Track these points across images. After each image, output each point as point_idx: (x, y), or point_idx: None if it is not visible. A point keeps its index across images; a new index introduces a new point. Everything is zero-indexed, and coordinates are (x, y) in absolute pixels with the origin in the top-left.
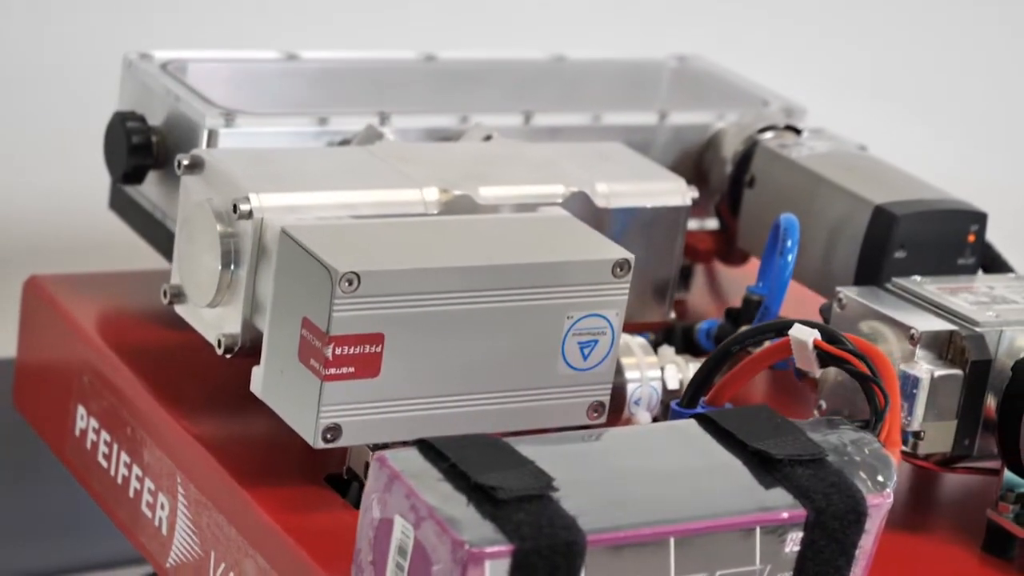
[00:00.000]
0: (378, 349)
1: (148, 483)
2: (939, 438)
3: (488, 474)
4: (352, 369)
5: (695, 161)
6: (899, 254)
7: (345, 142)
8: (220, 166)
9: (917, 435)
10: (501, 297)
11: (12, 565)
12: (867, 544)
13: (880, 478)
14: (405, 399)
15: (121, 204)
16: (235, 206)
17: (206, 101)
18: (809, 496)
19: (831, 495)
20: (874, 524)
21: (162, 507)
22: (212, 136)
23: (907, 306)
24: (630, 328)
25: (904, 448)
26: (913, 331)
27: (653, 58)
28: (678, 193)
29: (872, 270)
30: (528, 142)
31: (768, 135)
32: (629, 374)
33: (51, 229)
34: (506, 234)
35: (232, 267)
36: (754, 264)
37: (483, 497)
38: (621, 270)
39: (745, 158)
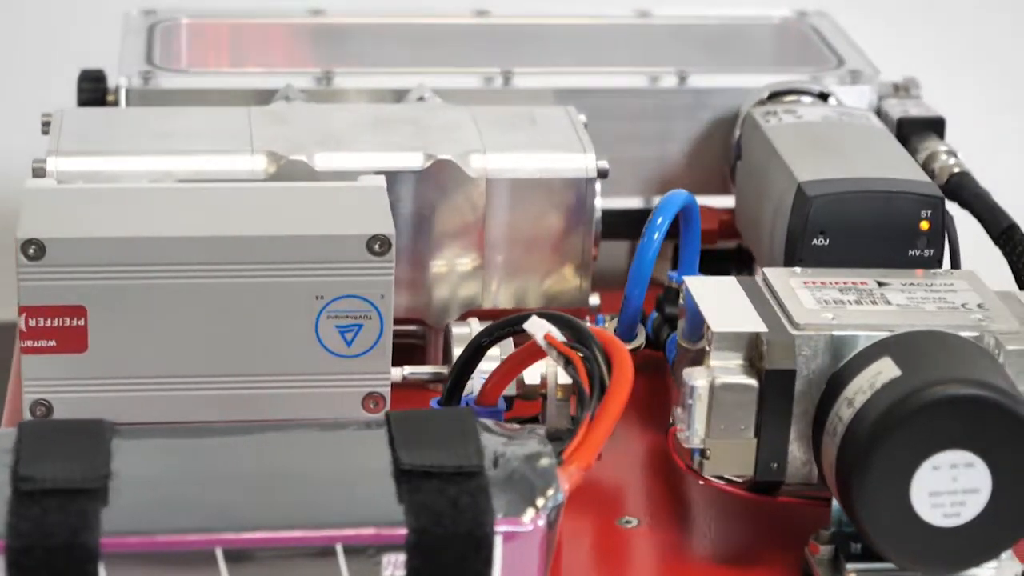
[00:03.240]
0: (81, 323)
1: None
2: (732, 458)
3: (37, 463)
4: (54, 343)
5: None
6: (819, 240)
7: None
8: (64, 126)
9: (703, 453)
10: (228, 272)
11: None
12: (521, 572)
13: (538, 500)
14: (124, 378)
15: None
16: (34, 168)
17: (146, 59)
18: (418, 514)
19: (445, 515)
20: (518, 552)
21: None
22: (129, 94)
23: (744, 301)
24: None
25: (694, 468)
26: (707, 331)
27: (761, 15)
28: (580, 165)
29: (791, 258)
30: (465, 105)
31: (768, 104)
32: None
33: None
34: (267, 204)
35: None
36: None
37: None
38: (380, 247)
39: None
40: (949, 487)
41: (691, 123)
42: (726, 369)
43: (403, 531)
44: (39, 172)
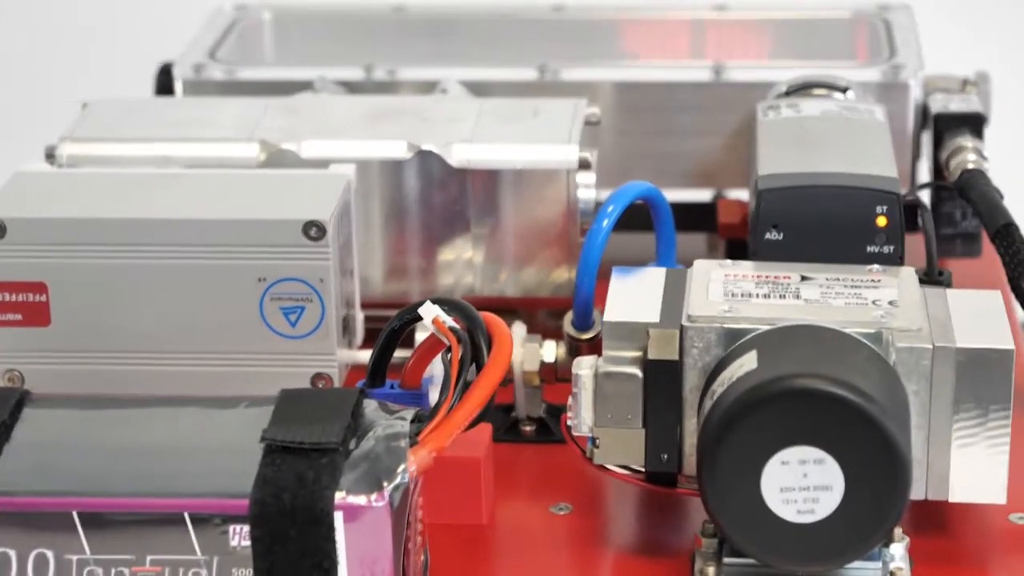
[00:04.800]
0: (43, 298)
1: None
2: (622, 448)
3: None
4: (20, 316)
5: None
6: (772, 235)
7: None
8: (90, 114)
9: (594, 442)
10: (177, 253)
11: None
12: (365, 552)
13: (384, 480)
14: (85, 352)
15: None
16: (47, 153)
17: (209, 52)
18: (263, 487)
19: (287, 489)
20: (362, 530)
21: None
22: (185, 85)
23: (656, 293)
24: (532, 305)
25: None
26: (605, 322)
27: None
28: (560, 157)
29: (751, 252)
30: (478, 97)
31: (779, 99)
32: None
33: None
34: (221, 189)
35: None
36: None
37: None
38: (316, 233)
39: None
40: (800, 483)
41: (729, 116)
42: (614, 359)
43: (243, 504)
44: (50, 156)
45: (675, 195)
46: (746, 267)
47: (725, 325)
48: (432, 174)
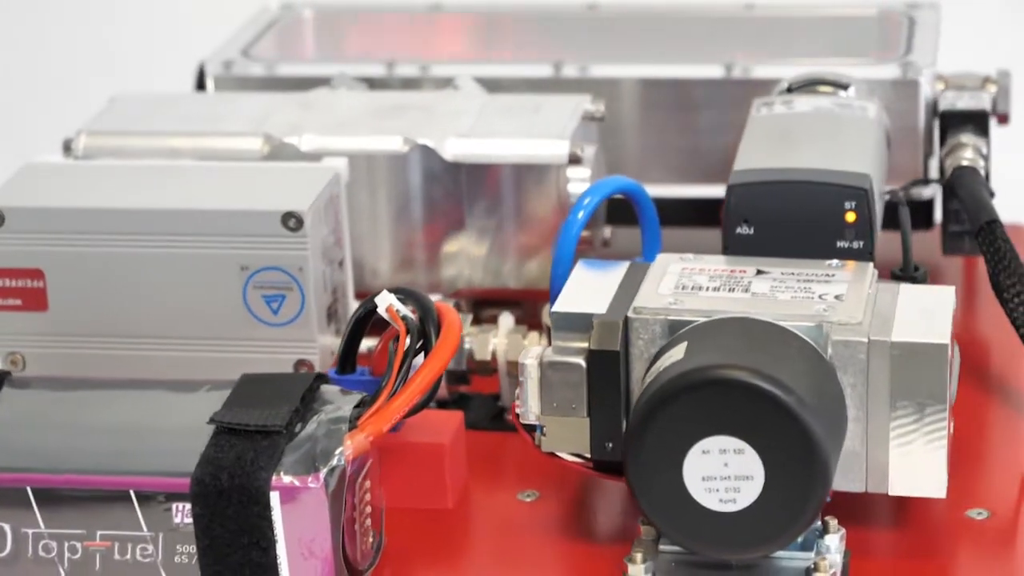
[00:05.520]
0: (40, 284)
1: None
2: (568, 436)
3: None
4: (19, 301)
5: None
6: (743, 229)
7: None
8: (113, 108)
9: (541, 430)
10: (165, 242)
11: None
12: (303, 531)
13: (319, 462)
14: (81, 336)
15: None
16: (64, 145)
17: (242, 49)
18: (204, 466)
19: (226, 469)
20: (299, 510)
21: None
22: (216, 81)
23: (612, 285)
24: (533, 298)
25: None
26: (553, 312)
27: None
28: (551, 152)
29: (723, 247)
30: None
31: (775, 96)
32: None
33: None
34: (210, 181)
35: None
36: None
37: None
38: (294, 224)
39: None
40: (722, 472)
41: (741, 113)
42: (560, 348)
43: (184, 483)
44: (68, 148)
45: (697, 191)
46: (708, 261)
47: (669, 317)
48: (426, 168)
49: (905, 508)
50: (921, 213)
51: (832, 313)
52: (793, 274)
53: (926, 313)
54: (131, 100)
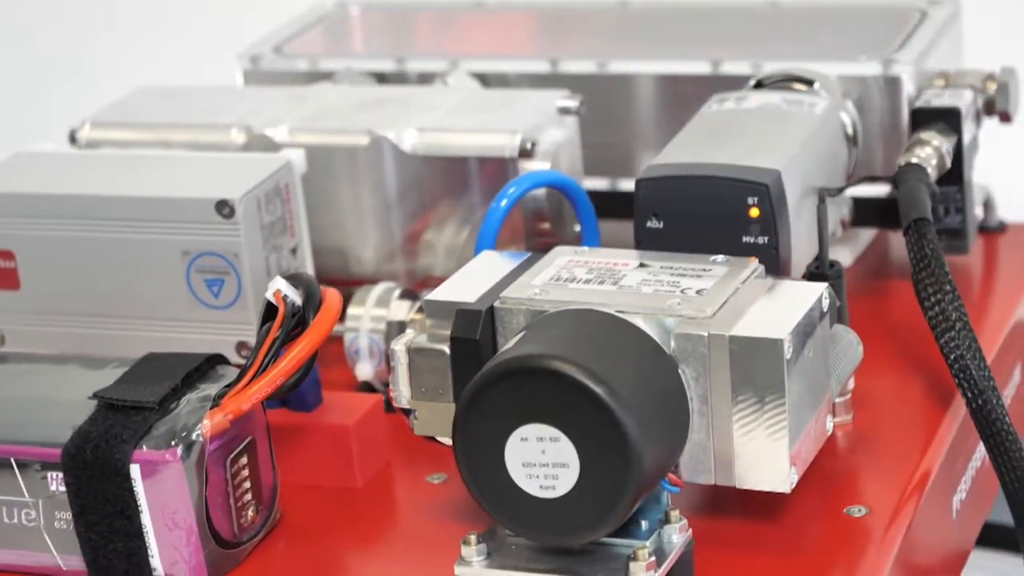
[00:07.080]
0: (12, 265)
1: None
2: (437, 421)
3: None
4: None
5: None
6: (653, 223)
7: None
8: (124, 101)
9: (412, 414)
10: (117, 227)
11: None
12: (165, 502)
13: (176, 438)
14: (50, 314)
15: None
16: (70, 136)
17: (275, 46)
18: (75, 438)
19: (92, 441)
20: (160, 483)
21: None
22: (246, 75)
23: (495, 275)
24: None
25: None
26: (422, 300)
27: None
28: (502, 143)
29: (635, 240)
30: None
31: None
32: (348, 323)
33: None
34: (159, 169)
35: None
36: None
37: None
38: (227, 211)
39: None
40: (540, 459)
41: None
42: (430, 335)
43: (56, 452)
44: (71, 139)
45: None
46: (596, 254)
47: (532, 308)
48: (387, 159)
49: (783, 503)
50: (953, 239)
51: (681, 307)
52: (671, 268)
53: (779, 309)
54: (147, 92)
